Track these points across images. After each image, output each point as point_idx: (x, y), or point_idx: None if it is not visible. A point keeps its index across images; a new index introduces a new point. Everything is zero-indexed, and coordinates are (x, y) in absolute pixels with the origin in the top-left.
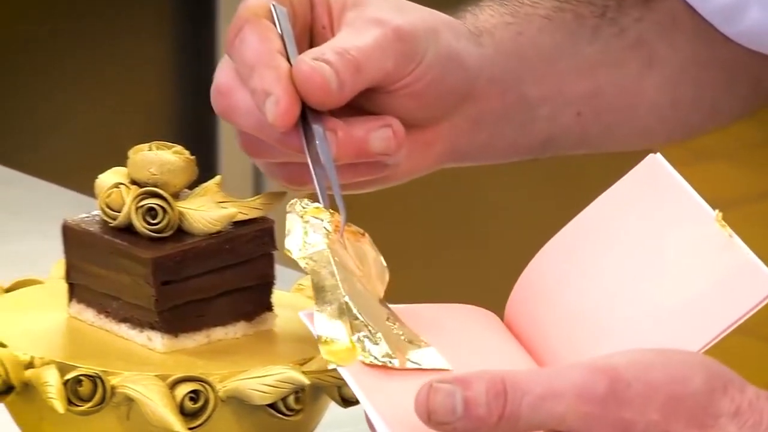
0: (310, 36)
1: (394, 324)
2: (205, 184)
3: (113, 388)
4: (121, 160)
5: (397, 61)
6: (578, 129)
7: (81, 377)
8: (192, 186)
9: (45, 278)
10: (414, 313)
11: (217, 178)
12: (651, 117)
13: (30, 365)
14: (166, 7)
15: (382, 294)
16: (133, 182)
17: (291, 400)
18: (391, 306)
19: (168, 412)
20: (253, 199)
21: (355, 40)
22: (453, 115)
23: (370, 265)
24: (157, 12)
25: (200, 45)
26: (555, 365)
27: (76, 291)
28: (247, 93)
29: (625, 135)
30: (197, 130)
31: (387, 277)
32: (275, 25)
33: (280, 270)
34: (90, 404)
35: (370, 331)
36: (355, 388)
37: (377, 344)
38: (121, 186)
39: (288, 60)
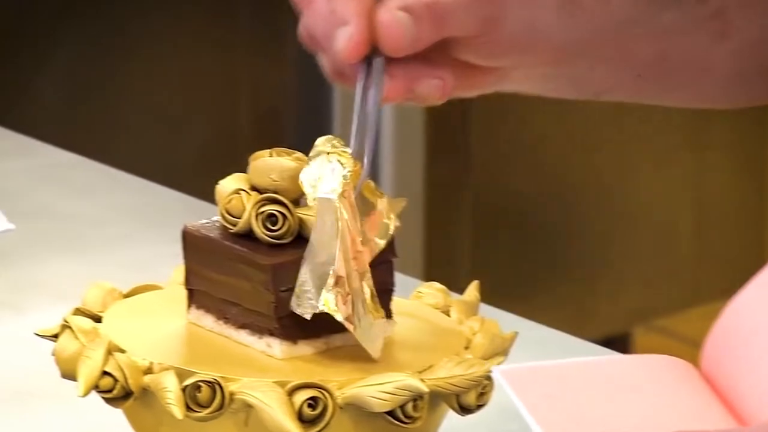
0: None
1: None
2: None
3: (232, 394)
4: (241, 167)
5: (481, 24)
6: (635, 88)
7: (200, 383)
8: None
9: (164, 284)
10: (600, 368)
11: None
12: (714, 86)
13: (149, 371)
14: (287, 14)
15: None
16: (254, 188)
17: (409, 407)
18: (572, 360)
19: (286, 418)
20: None
21: None
22: (514, 67)
23: (375, 225)
24: (275, 19)
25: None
26: (755, 422)
27: (196, 297)
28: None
29: (684, 99)
30: (314, 137)
31: (386, 238)
32: None
33: (399, 277)
34: (208, 410)
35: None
36: (512, 393)
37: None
38: (242, 192)
39: None
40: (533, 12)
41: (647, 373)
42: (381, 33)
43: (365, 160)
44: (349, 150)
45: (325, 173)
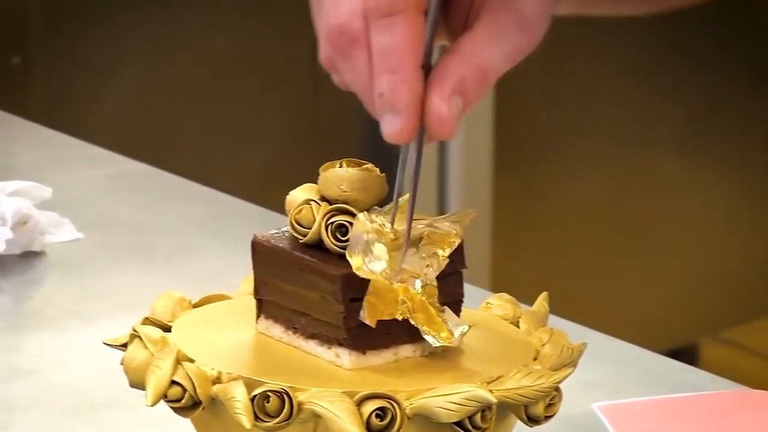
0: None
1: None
2: (395, 202)
3: (300, 404)
4: (311, 177)
5: (521, 52)
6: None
7: (268, 393)
8: (382, 203)
9: (233, 294)
10: (703, 403)
11: (407, 195)
12: None
13: (217, 380)
14: None
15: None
16: (323, 199)
17: (477, 418)
18: (673, 396)
19: (354, 429)
20: (443, 216)
21: (497, 54)
22: None
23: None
24: None
25: None
26: None
27: (265, 307)
28: (367, 53)
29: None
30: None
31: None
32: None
33: (468, 288)
34: (277, 420)
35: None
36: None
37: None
38: (312, 203)
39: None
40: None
41: (754, 410)
42: (433, 123)
43: (410, 197)
44: (387, 223)
45: (369, 247)
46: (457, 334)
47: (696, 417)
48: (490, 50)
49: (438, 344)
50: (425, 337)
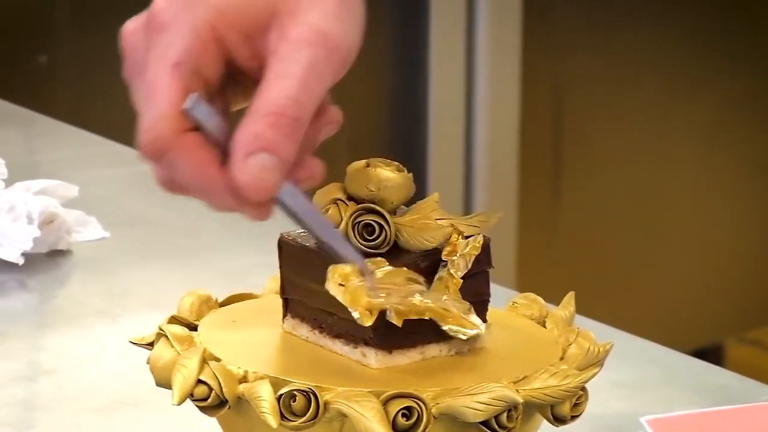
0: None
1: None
2: (422, 201)
3: (326, 403)
4: (337, 176)
5: (336, 79)
6: None
7: (294, 392)
8: (409, 203)
9: (260, 293)
10: (754, 415)
11: (435, 195)
12: None
13: (244, 379)
14: (381, 26)
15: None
16: (350, 198)
17: (504, 418)
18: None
19: (381, 428)
20: (469, 216)
21: (288, 83)
22: None
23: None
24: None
25: (412, 69)
26: None
27: (291, 306)
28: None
29: None
30: (407, 147)
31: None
32: (198, 118)
33: (494, 288)
34: (303, 419)
35: None
36: None
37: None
38: (339, 202)
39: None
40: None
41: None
42: (242, 193)
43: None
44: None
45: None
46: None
47: (749, 429)
48: (277, 88)
49: (470, 333)
50: (451, 333)
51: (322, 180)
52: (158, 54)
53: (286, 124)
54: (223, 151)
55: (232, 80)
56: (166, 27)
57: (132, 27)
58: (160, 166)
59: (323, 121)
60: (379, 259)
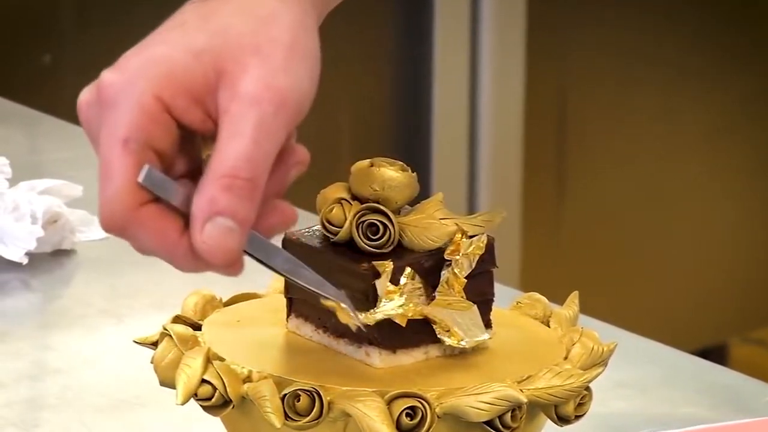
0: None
1: None
2: (426, 201)
3: (330, 403)
4: (342, 176)
5: (289, 131)
6: None
7: (298, 392)
8: (413, 202)
9: (264, 292)
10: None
11: (439, 194)
12: None
13: (248, 379)
14: (382, 27)
15: None
16: (355, 198)
17: (507, 417)
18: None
19: (385, 428)
20: (473, 216)
21: (239, 143)
22: None
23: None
24: (371, 32)
25: (416, 68)
26: None
27: (295, 305)
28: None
29: None
30: (411, 147)
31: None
32: (153, 189)
33: (498, 287)
34: (307, 419)
35: None
36: None
37: None
38: (343, 201)
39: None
40: (317, 54)
41: None
42: (205, 259)
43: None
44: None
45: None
46: (470, 339)
47: None
48: (229, 149)
49: (448, 342)
50: (439, 336)
51: (327, 180)
52: (108, 131)
53: (241, 186)
54: (184, 215)
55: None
56: (113, 103)
57: (86, 99)
58: (125, 238)
59: (291, 162)
60: (385, 261)
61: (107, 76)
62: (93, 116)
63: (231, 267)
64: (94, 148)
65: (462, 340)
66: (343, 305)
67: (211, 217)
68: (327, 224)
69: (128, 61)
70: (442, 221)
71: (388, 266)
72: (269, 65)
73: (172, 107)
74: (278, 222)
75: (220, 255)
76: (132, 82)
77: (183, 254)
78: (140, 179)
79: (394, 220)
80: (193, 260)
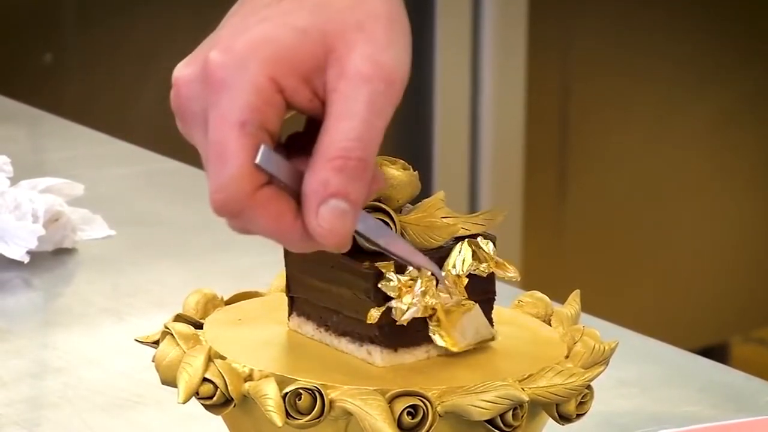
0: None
1: None
2: (428, 199)
3: (332, 401)
4: None
5: (395, 107)
6: None
7: (300, 390)
8: (415, 201)
9: (265, 291)
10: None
11: (441, 193)
12: None
13: (249, 378)
14: None
15: None
16: None
17: (509, 416)
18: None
19: (386, 426)
20: (475, 214)
21: (350, 123)
22: None
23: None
24: None
25: (417, 66)
26: None
27: (297, 304)
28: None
29: None
30: (413, 145)
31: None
32: (270, 170)
33: (499, 286)
34: (308, 418)
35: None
36: None
37: None
38: None
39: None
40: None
41: None
42: (319, 241)
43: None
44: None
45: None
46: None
47: None
48: (340, 130)
49: (441, 344)
50: (431, 336)
51: None
52: (221, 113)
53: (353, 167)
54: (297, 196)
55: None
56: (226, 85)
57: (186, 76)
58: (237, 221)
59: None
60: (387, 263)
61: (216, 56)
62: (195, 93)
63: (342, 246)
64: (186, 126)
65: (455, 345)
66: (435, 273)
67: (325, 200)
68: None
69: (234, 41)
70: (444, 220)
71: (389, 265)
72: (374, 42)
73: (283, 88)
74: (375, 189)
75: (334, 237)
76: (243, 64)
77: (299, 237)
78: (258, 160)
79: (395, 219)
80: (307, 241)
